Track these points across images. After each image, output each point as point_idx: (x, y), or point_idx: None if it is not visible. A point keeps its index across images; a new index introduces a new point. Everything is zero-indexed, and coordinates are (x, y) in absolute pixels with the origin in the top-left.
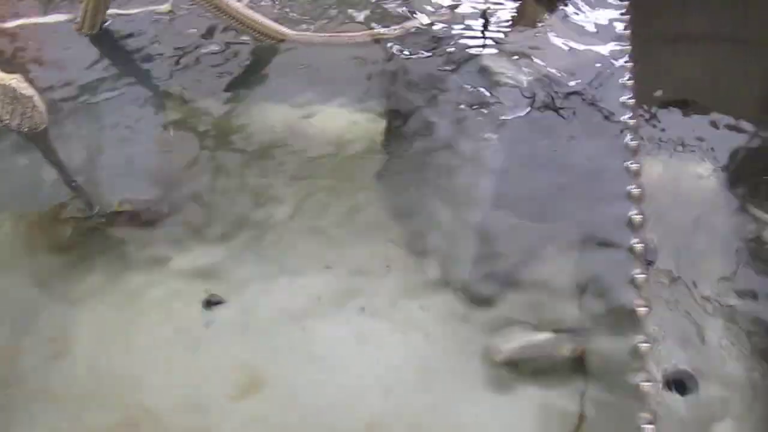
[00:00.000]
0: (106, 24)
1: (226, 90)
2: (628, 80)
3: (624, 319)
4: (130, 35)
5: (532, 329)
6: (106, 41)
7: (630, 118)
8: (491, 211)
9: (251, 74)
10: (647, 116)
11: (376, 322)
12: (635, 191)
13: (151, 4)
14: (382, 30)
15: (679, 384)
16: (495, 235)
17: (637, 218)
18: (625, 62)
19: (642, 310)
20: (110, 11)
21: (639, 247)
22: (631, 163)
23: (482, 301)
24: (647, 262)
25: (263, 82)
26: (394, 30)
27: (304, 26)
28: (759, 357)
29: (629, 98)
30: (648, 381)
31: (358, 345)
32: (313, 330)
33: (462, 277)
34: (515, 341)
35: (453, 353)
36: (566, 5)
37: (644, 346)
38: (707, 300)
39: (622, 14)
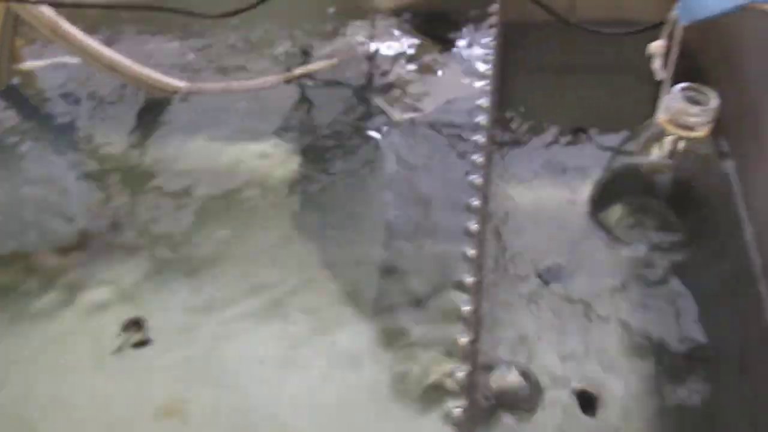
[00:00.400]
0: (13, 80)
1: (139, 135)
2: (483, 118)
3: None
4: (41, 87)
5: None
6: (14, 96)
7: (482, 154)
8: (384, 239)
9: (162, 117)
10: (510, 146)
11: (294, 351)
12: (473, 227)
13: (59, 56)
14: (273, 78)
15: (585, 402)
16: (393, 264)
17: (472, 253)
18: (491, 95)
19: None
20: (20, 65)
21: (470, 281)
22: (474, 201)
23: (389, 328)
24: (544, 282)
25: (176, 124)
26: (291, 75)
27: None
28: (656, 370)
29: (482, 138)
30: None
31: (275, 373)
32: (232, 357)
33: (372, 303)
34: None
35: (369, 379)
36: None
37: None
38: (601, 319)
39: (486, 55)
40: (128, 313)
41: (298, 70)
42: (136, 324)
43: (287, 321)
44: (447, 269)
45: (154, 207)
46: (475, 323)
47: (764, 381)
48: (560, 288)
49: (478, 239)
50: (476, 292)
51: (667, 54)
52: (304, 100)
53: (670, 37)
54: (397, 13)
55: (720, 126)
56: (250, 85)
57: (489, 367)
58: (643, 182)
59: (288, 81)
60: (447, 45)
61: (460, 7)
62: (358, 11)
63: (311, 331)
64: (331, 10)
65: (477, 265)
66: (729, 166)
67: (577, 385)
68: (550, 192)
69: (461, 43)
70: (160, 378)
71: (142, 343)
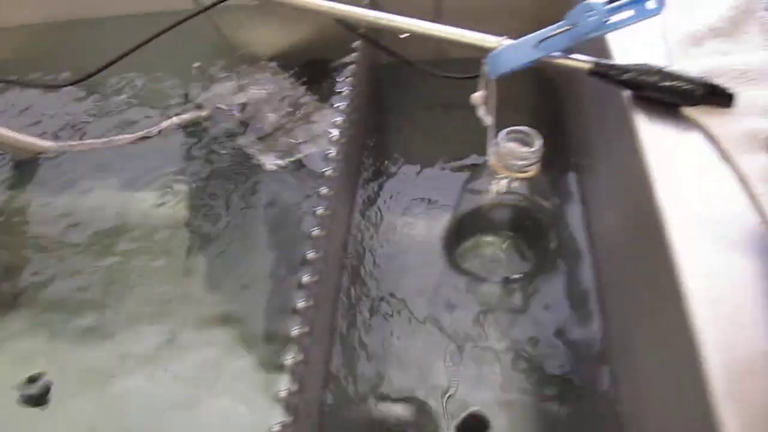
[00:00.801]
0: None
1: (20, 188)
2: (332, 150)
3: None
4: None
5: None
6: None
7: (328, 185)
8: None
9: (46, 168)
10: (379, 182)
11: (183, 382)
12: (312, 256)
13: None
14: (139, 133)
15: (475, 426)
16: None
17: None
18: (341, 130)
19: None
20: None
21: (296, 332)
22: (313, 238)
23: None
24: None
25: (60, 175)
26: (158, 128)
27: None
28: (528, 391)
29: (329, 169)
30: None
31: (166, 405)
32: (129, 404)
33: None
34: None
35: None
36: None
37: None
38: (474, 347)
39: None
40: (22, 368)
41: (165, 123)
42: (33, 379)
43: (178, 358)
44: (281, 318)
45: (41, 259)
46: (300, 375)
47: (602, 398)
48: (430, 320)
49: (309, 291)
50: (303, 343)
51: (487, 103)
52: (185, 149)
53: (487, 88)
54: (271, 59)
55: (571, 164)
56: (118, 140)
57: (376, 400)
58: (488, 220)
59: (151, 136)
60: (320, 91)
61: (334, 53)
62: (231, 59)
63: (205, 365)
64: (197, 64)
65: (307, 317)
66: (575, 199)
67: (464, 411)
68: (414, 227)
69: (333, 89)
70: (62, 430)
71: (41, 399)
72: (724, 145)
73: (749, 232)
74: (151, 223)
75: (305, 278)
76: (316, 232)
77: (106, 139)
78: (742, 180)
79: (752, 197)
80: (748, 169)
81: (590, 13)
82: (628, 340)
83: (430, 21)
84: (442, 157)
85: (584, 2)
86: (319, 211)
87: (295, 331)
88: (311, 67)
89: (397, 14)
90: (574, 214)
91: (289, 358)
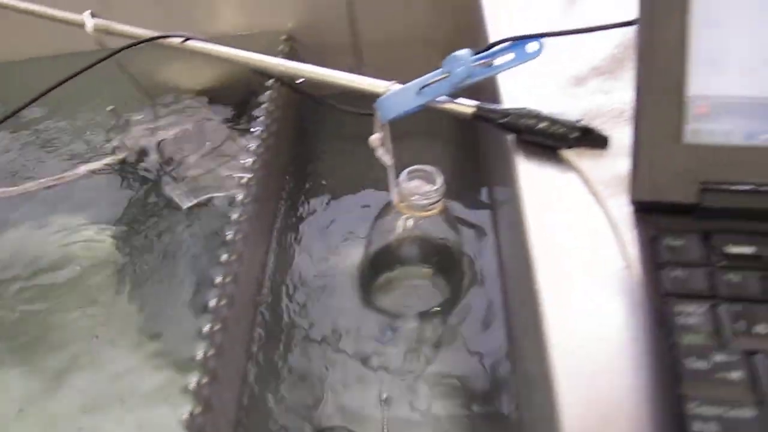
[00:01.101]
0: None
1: None
2: (240, 193)
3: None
4: None
5: None
6: None
7: (234, 231)
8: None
9: None
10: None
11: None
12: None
13: None
14: (54, 177)
15: None
16: None
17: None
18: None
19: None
20: None
21: (194, 383)
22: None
23: None
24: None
25: None
26: (75, 174)
27: None
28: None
29: (236, 214)
30: None
31: None
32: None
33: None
34: None
35: None
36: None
37: None
38: (400, 380)
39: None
40: None
41: (80, 169)
42: None
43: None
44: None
45: None
46: (200, 426)
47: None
48: (349, 356)
49: (211, 334)
50: (203, 393)
51: (384, 144)
52: (102, 192)
53: (382, 130)
54: (188, 98)
55: (485, 196)
56: (31, 187)
57: None
58: (398, 256)
59: (66, 182)
60: (239, 129)
61: (253, 90)
62: (146, 100)
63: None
64: (111, 107)
65: (208, 367)
66: (488, 230)
67: None
68: (334, 261)
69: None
70: None
71: None
72: (596, 188)
73: (616, 278)
74: (65, 267)
75: (206, 327)
76: (218, 279)
77: (16, 188)
78: (611, 224)
79: (620, 242)
80: (617, 213)
81: (458, 63)
82: (524, 373)
83: (350, 54)
84: (363, 190)
85: (452, 54)
86: (224, 257)
87: (193, 384)
88: (229, 104)
89: (317, 49)
90: (487, 246)
91: (186, 412)
